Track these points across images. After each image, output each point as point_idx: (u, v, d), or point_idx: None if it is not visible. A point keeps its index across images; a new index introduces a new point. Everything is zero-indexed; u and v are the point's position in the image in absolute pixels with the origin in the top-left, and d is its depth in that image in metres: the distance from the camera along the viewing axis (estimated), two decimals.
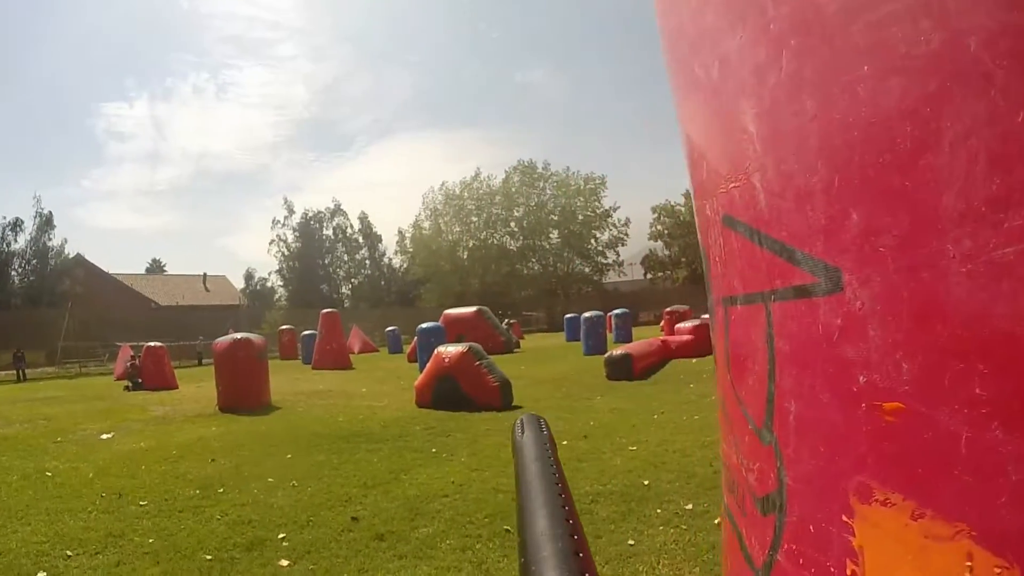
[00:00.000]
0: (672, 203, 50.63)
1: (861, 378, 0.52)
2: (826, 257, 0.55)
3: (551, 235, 53.82)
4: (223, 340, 10.54)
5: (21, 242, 38.27)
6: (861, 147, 0.51)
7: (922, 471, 0.48)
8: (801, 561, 0.61)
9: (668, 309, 21.87)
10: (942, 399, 0.46)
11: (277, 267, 53.95)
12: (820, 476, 0.58)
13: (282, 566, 3.30)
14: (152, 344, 15.84)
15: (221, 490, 4.87)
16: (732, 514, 0.81)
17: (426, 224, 55.69)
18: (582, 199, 52.89)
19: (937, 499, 0.47)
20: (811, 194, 0.56)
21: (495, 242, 53.67)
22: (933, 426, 0.47)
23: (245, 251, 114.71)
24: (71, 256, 41.02)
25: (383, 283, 55.40)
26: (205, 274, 50.92)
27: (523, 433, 1.52)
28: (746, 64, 0.63)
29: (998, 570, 0.44)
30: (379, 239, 56.14)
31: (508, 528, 3.56)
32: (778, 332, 0.63)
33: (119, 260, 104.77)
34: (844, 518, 0.55)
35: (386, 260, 56.84)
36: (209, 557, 3.45)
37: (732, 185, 0.69)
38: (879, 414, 0.51)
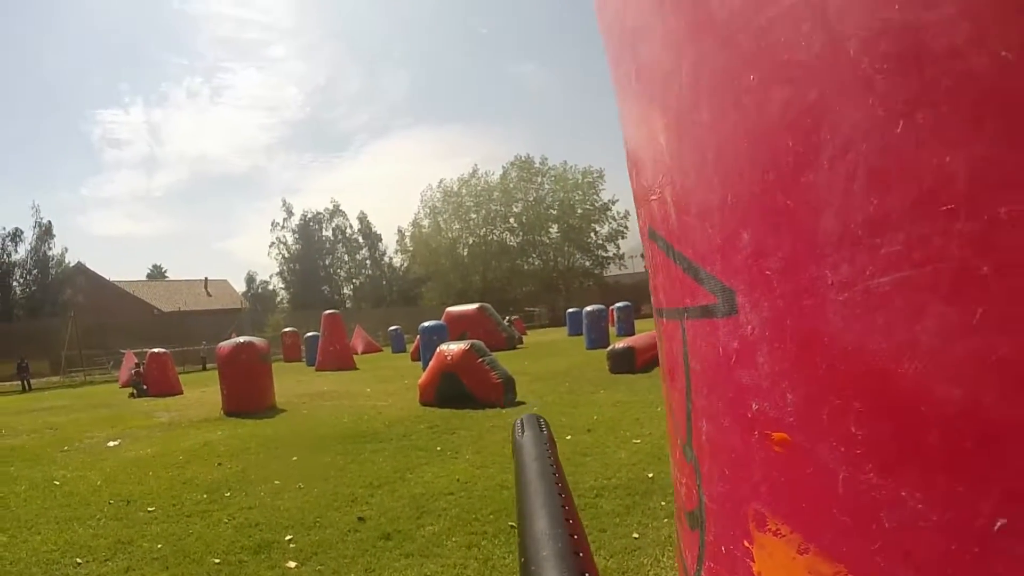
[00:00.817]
0: None
1: (754, 405, 0.51)
2: (723, 278, 0.53)
3: (551, 230, 53.85)
4: (226, 344, 10.52)
5: (22, 252, 38.57)
6: (748, 163, 0.48)
7: (806, 506, 0.47)
8: None
9: None
10: (822, 434, 0.45)
11: (278, 270, 54.17)
12: (727, 499, 0.57)
13: (290, 568, 3.33)
14: (156, 350, 15.88)
15: (228, 494, 4.90)
16: (676, 523, 0.81)
17: (425, 222, 55.83)
18: (580, 193, 52.86)
19: (820, 536, 0.46)
20: (709, 211, 0.53)
21: (495, 238, 53.74)
22: (815, 461, 0.45)
23: (245, 254, 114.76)
24: (72, 265, 41.20)
25: (384, 283, 55.40)
26: (206, 278, 50.90)
27: (523, 433, 1.53)
28: (656, 72, 0.60)
29: None
30: (379, 239, 56.20)
31: (513, 524, 3.58)
32: (691, 351, 0.62)
33: (120, 267, 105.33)
34: (745, 543, 0.54)
35: (387, 259, 56.89)
36: (217, 561, 3.48)
37: (652, 197, 0.67)
38: (769, 443, 0.50)
